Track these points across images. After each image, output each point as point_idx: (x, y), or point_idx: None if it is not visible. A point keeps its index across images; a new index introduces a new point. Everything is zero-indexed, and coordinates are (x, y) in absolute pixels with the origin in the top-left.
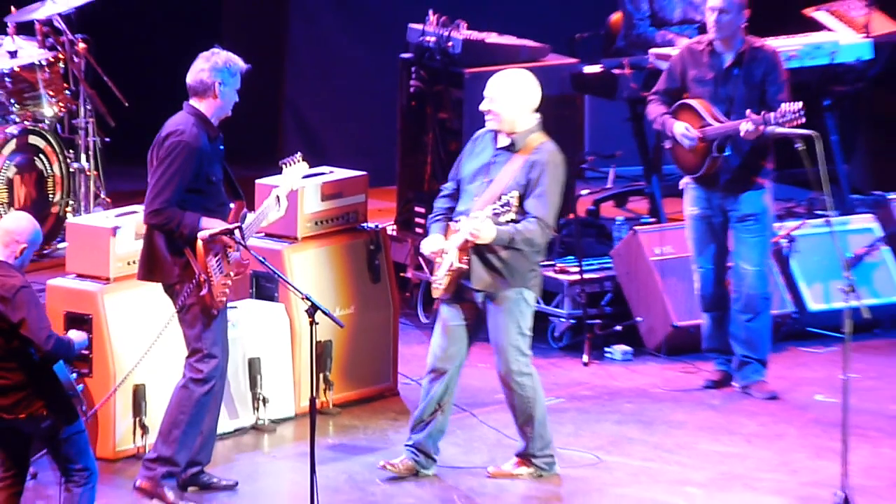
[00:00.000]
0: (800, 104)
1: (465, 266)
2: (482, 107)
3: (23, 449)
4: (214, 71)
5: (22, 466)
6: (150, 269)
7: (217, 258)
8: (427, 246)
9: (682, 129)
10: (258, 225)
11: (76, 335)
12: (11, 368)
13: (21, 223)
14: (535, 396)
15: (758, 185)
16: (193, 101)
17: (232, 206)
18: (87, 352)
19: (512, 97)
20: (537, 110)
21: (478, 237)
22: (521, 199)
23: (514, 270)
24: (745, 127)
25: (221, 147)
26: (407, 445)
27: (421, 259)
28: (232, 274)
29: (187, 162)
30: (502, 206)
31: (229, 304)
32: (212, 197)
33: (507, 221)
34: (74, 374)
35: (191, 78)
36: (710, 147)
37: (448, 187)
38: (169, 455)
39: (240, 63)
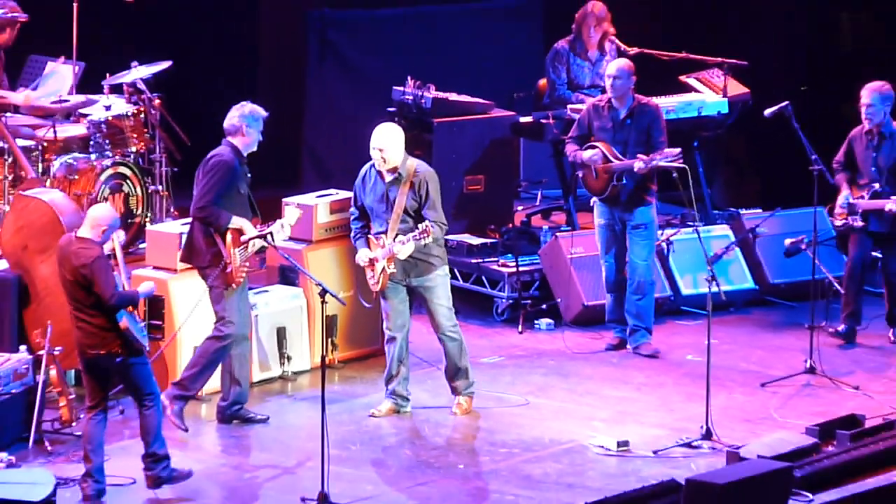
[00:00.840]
0: (679, 149)
1: (394, 270)
2: (376, 155)
3: (104, 381)
4: (242, 117)
5: (104, 396)
6: (189, 254)
7: (241, 249)
8: (361, 258)
9: (588, 154)
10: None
11: (145, 286)
12: (94, 314)
13: (104, 212)
14: (463, 339)
15: (647, 202)
16: (229, 139)
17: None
18: (159, 322)
19: (395, 144)
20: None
21: (401, 253)
22: (419, 209)
23: (434, 256)
24: (638, 165)
25: (248, 174)
26: (387, 395)
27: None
28: (248, 264)
29: (225, 175)
30: (420, 233)
31: (261, 289)
32: (237, 205)
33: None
34: (144, 325)
35: (226, 123)
36: (612, 177)
37: (354, 212)
38: (184, 379)
39: (261, 112)
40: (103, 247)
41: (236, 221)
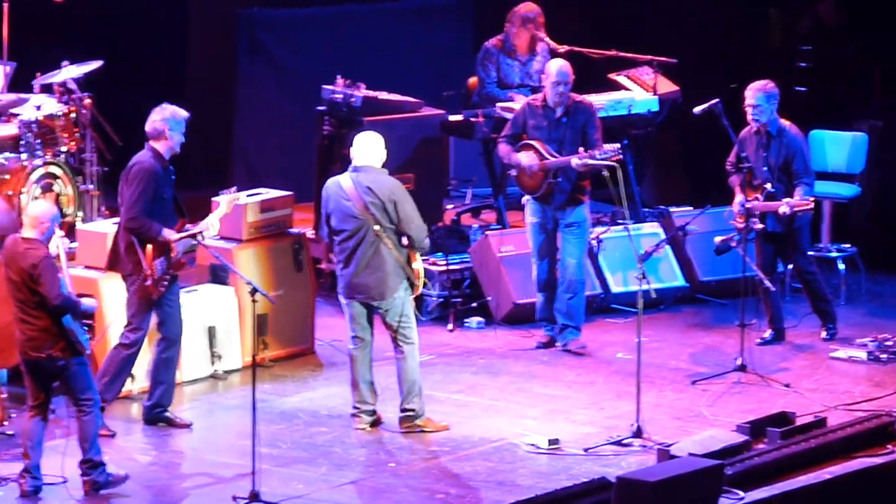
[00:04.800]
0: (618, 145)
1: None
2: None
3: (46, 383)
4: (164, 120)
5: (46, 398)
6: (112, 261)
7: (161, 260)
8: None
9: (526, 158)
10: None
11: (88, 301)
12: (37, 316)
13: (43, 208)
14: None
15: (580, 201)
16: (151, 143)
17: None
18: (90, 321)
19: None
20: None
21: None
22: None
23: None
24: (575, 161)
25: (173, 176)
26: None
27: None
28: (171, 271)
29: (150, 183)
30: None
31: (191, 288)
32: (160, 211)
33: None
34: (85, 329)
35: (148, 126)
36: (548, 175)
37: None
38: (99, 392)
39: (183, 113)
40: (48, 246)
41: (166, 233)
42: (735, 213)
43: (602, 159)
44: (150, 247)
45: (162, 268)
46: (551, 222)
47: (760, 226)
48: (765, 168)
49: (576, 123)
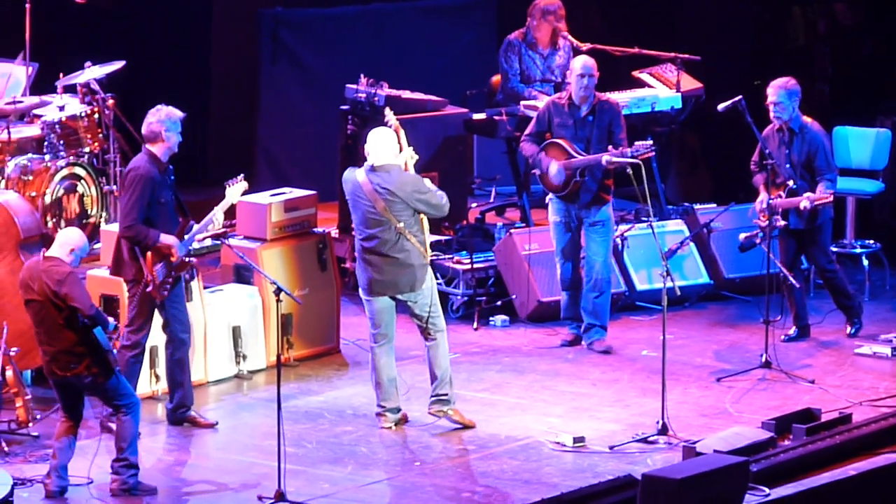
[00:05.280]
0: (650, 141)
1: None
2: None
3: (76, 397)
4: (160, 122)
5: (76, 408)
6: (116, 267)
7: (162, 265)
8: None
9: (555, 168)
10: (204, 231)
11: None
12: (60, 337)
13: (73, 235)
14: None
15: (604, 200)
16: (148, 146)
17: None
18: (114, 335)
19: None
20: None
21: None
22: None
23: None
24: (606, 158)
25: (172, 177)
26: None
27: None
28: (173, 274)
29: (144, 189)
30: None
31: (216, 288)
32: (159, 216)
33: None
34: (110, 340)
35: (144, 129)
36: (574, 174)
37: None
38: None
39: (178, 113)
40: (71, 265)
41: (164, 239)
42: (757, 211)
43: (633, 156)
44: (149, 253)
45: (162, 273)
46: (575, 220)
47: (783, 222)
48: (787, 165)
49: (602, 122)
